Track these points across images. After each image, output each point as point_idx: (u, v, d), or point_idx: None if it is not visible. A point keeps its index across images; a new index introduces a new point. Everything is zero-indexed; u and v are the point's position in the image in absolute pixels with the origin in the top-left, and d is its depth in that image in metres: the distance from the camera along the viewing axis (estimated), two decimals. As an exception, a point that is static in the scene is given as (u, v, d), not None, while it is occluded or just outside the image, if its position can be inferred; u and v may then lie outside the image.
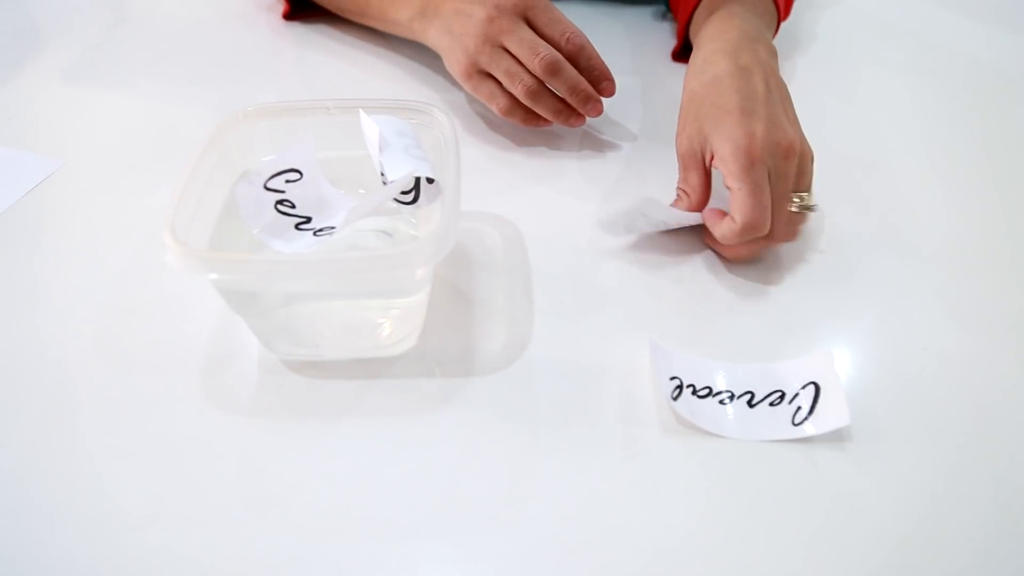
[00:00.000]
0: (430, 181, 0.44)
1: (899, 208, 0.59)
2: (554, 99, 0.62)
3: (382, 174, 0.45)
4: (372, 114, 0.46)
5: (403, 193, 0.44)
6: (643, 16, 0.83)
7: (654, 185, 0.60)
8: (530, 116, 0.63)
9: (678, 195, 0.56)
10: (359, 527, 0.40)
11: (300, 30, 0.79)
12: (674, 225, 0.55)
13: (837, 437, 0.43)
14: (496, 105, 0.62)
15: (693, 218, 0.54)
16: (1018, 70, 0.76)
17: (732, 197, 0.50)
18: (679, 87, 0.59)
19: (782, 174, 0.51)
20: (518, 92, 0.60)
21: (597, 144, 0.65)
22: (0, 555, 0.39)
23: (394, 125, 0.46)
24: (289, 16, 0.80)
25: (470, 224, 0.56)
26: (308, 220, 0.48)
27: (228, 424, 0.44)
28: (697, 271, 0.54)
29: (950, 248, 0.56)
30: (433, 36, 0.65)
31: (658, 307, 0.51)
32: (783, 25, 0.70)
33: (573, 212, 0.58)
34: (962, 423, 0.45)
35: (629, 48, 0.78)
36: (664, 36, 0.80)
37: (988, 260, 0.55)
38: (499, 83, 0.61)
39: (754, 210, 0.49)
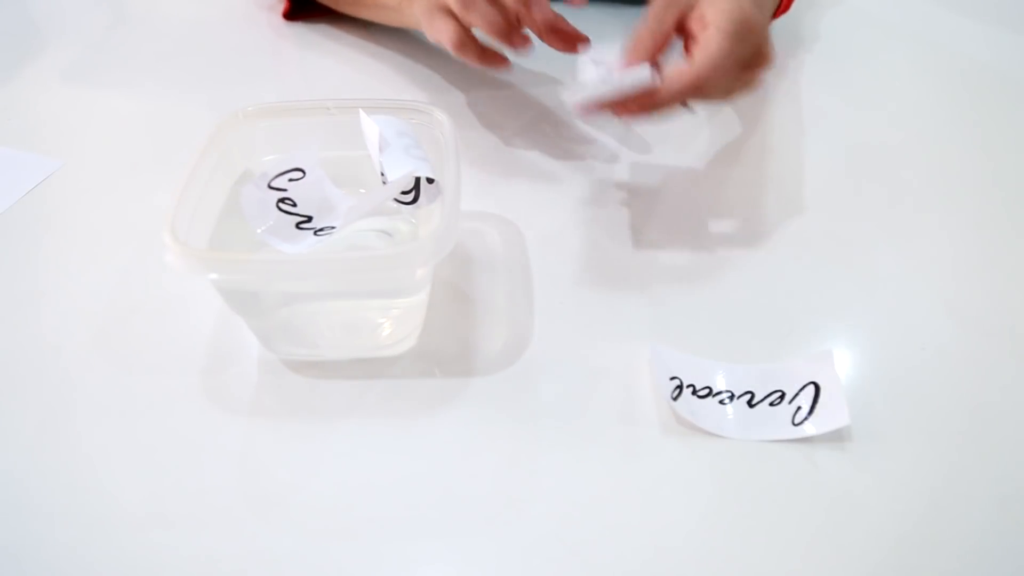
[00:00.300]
0: (430, 181, 0.44)
1: (899, 208, 0.59)
2: (491, 9, 0.56)
3: (382, 174, 0.45)
4: (372, 114, 0.46)
5: (403, 193, 0.44)
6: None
7: (655, 185, 0.60)
8: (485, 53, 0.59)
9: (634, 39, 0.53)
10: (359, 527, 0.40)
11: (300, 30, 0.79)
12: (613, 84, 0.52)
13: (837, 437, 0.43)
14: (448, 40, 0.59)
15: (636, 77, 0.52)
16: (1018, 70, 0.76)
17: (703, 46, 0.50)
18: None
19: (742, 69, 0.52)
20: (452, 3, 0.56)
21: (598, 143, 0.65)
22: (0, 555, 0.39)
23: (394, 125, 0.46)
24: (289, 16, 0.80)
25: (470, 224, 0.56)
26: (309, 219, 0.48)
27: (228, 424, 0.44)
28: (697, 271, 0.54)
29: (950, 248, 0.56)
30: (416, 10, 0.63)
31: (658, 307, 0.51)
32: (783, 24, 0.70)
33: (573, 211, 0.58)
34: (962, 423, 0.45)
35: (629, 48, 0.78)
36: (664, 36, 0.79)
37: (988, 260, 0.55)
38: (457, 20, 0.58)
39: (718, 66, 0.49)
